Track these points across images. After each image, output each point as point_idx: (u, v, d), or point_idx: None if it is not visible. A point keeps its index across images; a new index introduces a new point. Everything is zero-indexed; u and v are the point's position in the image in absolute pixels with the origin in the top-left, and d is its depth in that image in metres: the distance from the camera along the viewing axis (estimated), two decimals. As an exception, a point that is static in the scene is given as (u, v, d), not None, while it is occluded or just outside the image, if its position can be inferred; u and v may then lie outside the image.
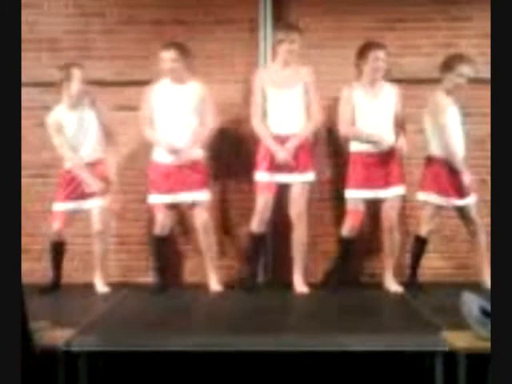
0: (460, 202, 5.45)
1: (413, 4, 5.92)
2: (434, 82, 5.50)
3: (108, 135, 5.64)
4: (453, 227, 5.90)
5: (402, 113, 5.51)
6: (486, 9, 4.85)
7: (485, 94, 5.00)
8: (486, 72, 4.80)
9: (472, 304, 4.02)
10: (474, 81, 5.41)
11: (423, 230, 5.53)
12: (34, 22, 5.94)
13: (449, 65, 5.39)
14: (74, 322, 4.38)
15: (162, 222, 5.57)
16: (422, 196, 5.54)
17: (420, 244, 5.56)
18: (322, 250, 5.99)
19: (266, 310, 4.89)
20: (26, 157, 5.12)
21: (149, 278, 5.83)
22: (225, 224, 6.05)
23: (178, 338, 4.15)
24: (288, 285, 5.55)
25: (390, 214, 5.49)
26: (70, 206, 5.54)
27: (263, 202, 5.50)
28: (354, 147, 5.51)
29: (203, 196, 5.55)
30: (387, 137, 5.42)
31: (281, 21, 5.85)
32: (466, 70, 5.35)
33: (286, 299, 5.31)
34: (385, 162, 5.43)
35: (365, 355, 4.21)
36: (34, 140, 5.83)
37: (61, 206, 5.53)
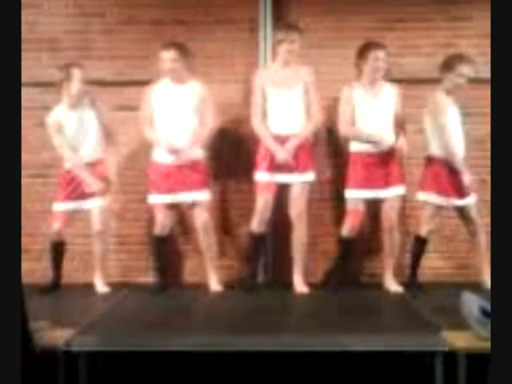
0: (460, 202, 5.45)
1: (413, 4, 5.92)
2: (434, 81, 5.50)
3: (108, 135, 5.64)
4: (453, 227, 5.90)
5: (402, 113, 5.51)
6: (485, 9, 4.86)
7: (485, 93, 5.00)
8: (485, 72, 4.80)
9: (472, 304, 4.02)
10: (474, 81, 5.41)
11: (423, 230, 5.53)
12: (34, 22, 5.94)
13: (449, 65, 5.40)
14: (73, 322, 4.38)
15: (162, 222, 5.56)
16: (421, 196, 5.54)
17: (420, 244, 5.56)
18: (322, 250, 6.00)
19: (265, 310, 4.89)
20: (25, 157, 5.11)
21: (149, 278, 5.83)
22: (225, 224, 6.05)
23: (178, 338, 4.15)
24: (288, 285, 5.55)
25: (389, 214, 5.49)
26: (70, 206, 5.54)
27: (263, 202, 5.50)
28: (354, 147, 5.51)
29: (203, 196, 5.55)
30: (387, 137, 5.42)
31: (281, 21, 5.85)
32: (465, 69, 5.35)
33: (286, 299, 5.31)
34: (385, 162, 5.43)
35: (365, 355, 4.21)
36: (33, 140, 5.83)
37: (61, 206, 5.54)
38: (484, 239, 5.45)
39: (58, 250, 5.61)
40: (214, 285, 5.61)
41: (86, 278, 5.76)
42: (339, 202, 5.73)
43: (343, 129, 5.48)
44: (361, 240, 5.69)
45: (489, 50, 3.60)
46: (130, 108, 5.77)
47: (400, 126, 5.49)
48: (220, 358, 4.25)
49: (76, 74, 5.43)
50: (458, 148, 5.41)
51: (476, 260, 5.62)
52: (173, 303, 5.17)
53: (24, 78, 4.01)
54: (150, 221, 5.72)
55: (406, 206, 5.82)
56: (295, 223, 5.55)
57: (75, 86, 5.45)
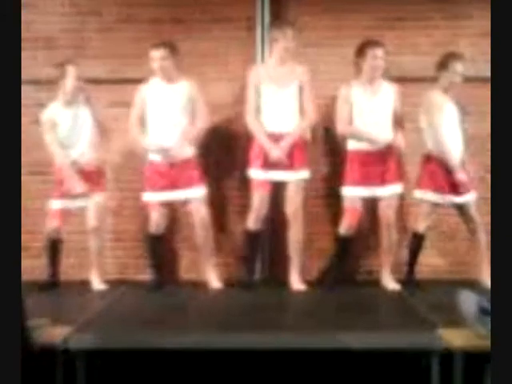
0: (458, 200, 5.47)
1: (412, 2, 5.93)
2: (433, 80, 5.51)
3: (103, 132, 5.64)
4: (451, 224, 5.93)
5: (400, 111, 5.51)
6: (485, 7, 4.87)
7: (484, 92, 4.99)
8: (485, 70, 4.80)
9: (470, 302, 4.02)
10: (474, 79, 5.43)
11: (420, 227, 5.54)
12: (31, 21, 5.90)
13: (444, 63, 5.43)
14: (71, 319, 4.38)
15: (157, 221, 5.56)
16: (418, 194, 5.56)
17: (417, 240, 5.57)
18: (318, 247, 5.99)
19: (262, 307, 4.89)
20: (22, 154, 5.09)
21: (146, 275, 5.81)
22: (220, 221, 6.03)
23: (176, 335, 4.15)
24: (285, 282, 5.56)
25: (387, 213, 5.50)
26: (67, 203, 5.54)
27: (258, 200, 5.50)
28: (352, 145, 5.52)
29: (199, 192, 5.55)
30: (385, 135, 5.42)
31: (278, 19, 5.84)
32: (460, 67, 5.39)
33: (283, 297, 5.32)
34: (382, 160, 5.44)
35: (362, 353, 4.21)
36: (30, 137, 5.78)
37: (57, 204, 5.53)
38: (483, 237, 5.47)
39: (55, 247, 5.60)
40: (214, 281, 5.61)
41: (83, 275, 5.75)
42: (335, 199, 5.73)
43: (340, 127, 5.48)
44: (358, 237, 5.67)
45: (488, 49, 3.60)
46: (126, 105, 5.74)
47: (398, 123, 5.49)
48: (217, 355, 4.24)
49: (71, 71, 5.44)
50: (456, 146, 5.43)
51: (475, 258, 5.63)
52: (170, 301, 5.17)
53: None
54: (147, 218, 5.71)
55: (404, 203, 5.82)
56: (291, 221, 5.56)
57: (70, 82, 5.45)
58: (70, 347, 3.95)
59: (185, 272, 6.07)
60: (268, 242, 5.97)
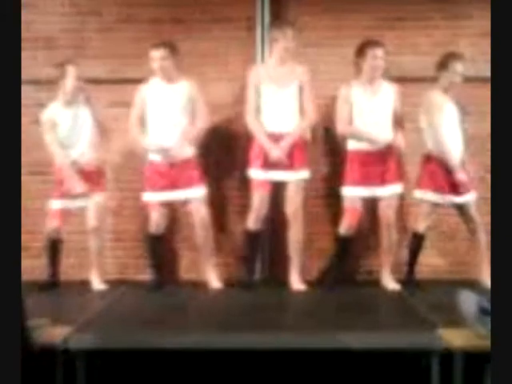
0: (458, 200, 5.47)
1: (412, 3, 5.93)
2: (433, 80, 5.51)
3: (103, 132, 5.64)
4: (451, 224, 5.93)
5: (400, 111, 5.51)
6: (485, 7, 4.87)
7: (485, 92, 4.99)
8: (485, 70, 4.79)
9: (470, 302, 4.02)
10: (474, 79, 5.43)
11: (420, 227, 5.54)
12: (31, 21, 5.90)
13: (444, 63, 5.44)
14: (71, 319, 4.38)
15: (157, 221, 5.56)
16: (418, 194, 5.56)
17: (417, 240, 5.57)
18: (318, 247, 5.99)
19: (263, 307, 4.89)
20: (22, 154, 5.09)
21: (146, 275, 5.81)
22: (220, 221, 6.03)
23: (176, 335, 4.15)
24: (285, 282, 5.56)
25: (387, 213, 5.49)
26: (67, 203, 5.54)
27: (258, 200, 5.50)
28: (352, 145, 5.52)
29: (198, 192, 5.55)
30: (385, 135, 5.42)
31: (278, 19, 5.84)
32: (460, 67, 5.40)
33: (283, 297, 5.32)
34: (382, 160, 5.44)
35: (362, 353, 4.21)
36: (30, 137, 5.77)
37: (58, 204, 5.53)
38: (483, 237, 5.46)
39: (55, 247, 5.60)
40: (214, 281, 5.61)
41: (83, 275, 5.74)
42: (336, 199, 5.73)
43: (340, 127, 5.48)
44: (358, 237, 5.67)
45: (488, 49, 3.60)
46: (126, 105, 5.72)
47: (398, 123, 5.49)
48: (217, 355, 4.24)
49: (71, 71, 5.44)
50: (456, 146, 5.43)
51: (475, 258, 5.63)
52: (170, 301, 5.17)
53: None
54: (147, 218, 5.70)
55: (404, 204, 5.82)
56: (291, 221, 5.56)
57: (70, 82, 5.45)
58: (70, 347, 3.95)
59: (185, 272, 6.06)
60: (268, 242, 5.97)
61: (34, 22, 5.94)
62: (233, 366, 4.34)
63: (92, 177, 5.56)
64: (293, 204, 5.52)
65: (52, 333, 4.00)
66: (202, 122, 5.55)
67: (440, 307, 4.68)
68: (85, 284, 5.61)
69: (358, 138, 5.45)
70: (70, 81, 5.45)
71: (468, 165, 5.52)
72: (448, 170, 5.42)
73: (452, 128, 5.43)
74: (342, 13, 5.94)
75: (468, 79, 5.45)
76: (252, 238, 5.62)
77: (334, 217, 5.81)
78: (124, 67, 5.97)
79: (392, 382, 4.25)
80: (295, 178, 5.49)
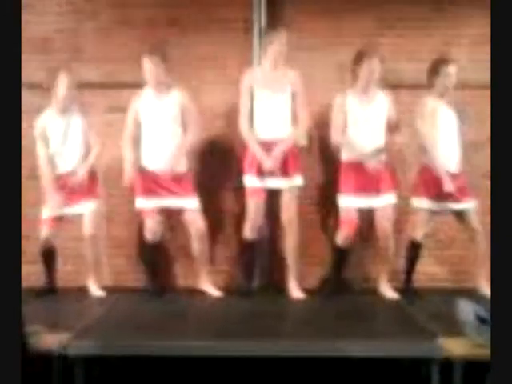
0: (456, 207, 5.46)
1: (411, 6, 5.92)
2: (430, 86, 5.49)
3: (96, 139, 5.60)
4: (448, 232, 5.92)
5: (394, 119, 5.49)
6: (485, 14, 4.88)
7: (483, 97, 5.00)
8: (485, 77, 4.76)
9: (468, 311, 4.02)
10: (474, 85, 5.43)
11: (418, 235, 5.53)
12: (26, 22, 5.84)
13: (434, 69, 5.45)
14: (68, 326, 4.37)
15: (153, 228, 5.54)
16: (415, 202, 5.56)
17: (415, 249, 5.56)
18: (314, 254, 5.95)
19: (261, 315, 4.88)
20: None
21: (143, 282, 5.79)
22: (217, 230, 6.01)
23: (174, 342, 4.14)
24: (283, 289, 5.55)
25: (383, 225, 5.46)
26: (58, 211, 5.52)
27: (254, 207, 5.49)
28: (346, 155, 5.49)
29: (191, 203, 5.54)
30: (379, 143, 5.42)
31: (275, 21, 5.84)
32: (452, 70, 5.40)
33: (281, 304, 5.31)
34: (376, 169, 5.40)
35: (361, 361, 4.20)
36: (25, 142, 5.74)
37: (47, 212, 5.52)
38: (482, 245, 5.45)
39: (48, 255, 5.60)
40: (212, 290, 5.60)
41: (80, 281, 5.71)
42: (330, 206, 5.73)
43: (334, 137, 5.47)
44: (355, 246, 5.65)
45: (488, 56, 3.60)
46: (120, 110, 5.69)
47: (393, 132, 5.48)
48: (216, 362, 4.24)
49: (63, 79, 5.41)
50: (451, 152, 5.44)
51: (473, 266, 5.62)
52: (168, 308, 5.16)
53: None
54: (143, 225, 5.67)
55: (401, 212, 5.79)
56: (286, 228, 5.55)
57: (62, 91, 5.43)
58: (68, 354, 3.95)
59: (183, 279, 6.04)
60: (266, 250, 5.96)
61: (29, 23, 5.83)
62: (231, 374, 4.34)
63: (85, 184, 5.55)
64: (288, 211, 5.51)
65: (50, 339, 3.99)
66: (193, 135, 5.54)
67: (438, 316, 4.69)
68: (82, 291, 5.59)
69: (351, 149, 5.44)
70: (61, 89, 5.43)
71: (465, 171, 5.51)
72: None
73: (447, 134, 5.43)
74: (339, 16, 5.92)
75: (467, 85, 5.46)
76: (249, 246, 5.60)
77: (329, 224, 5.83)
78: (119, 70, 5.93)
79: (392, 390, 4.26)
80: (289, 185, 5.47)
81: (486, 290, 5.32)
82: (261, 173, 5.43)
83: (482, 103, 5.16)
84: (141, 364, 4.38)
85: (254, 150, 5.42)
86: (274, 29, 5.51)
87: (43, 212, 5.54)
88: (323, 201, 5.99)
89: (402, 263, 5.66)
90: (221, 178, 6.02)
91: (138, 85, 5.54)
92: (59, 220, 5.57)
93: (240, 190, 5.65)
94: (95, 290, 5.59)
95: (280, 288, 5.61)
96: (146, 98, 5.52)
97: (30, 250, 5.70)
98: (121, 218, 6.06)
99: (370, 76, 5.38)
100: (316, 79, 5.77)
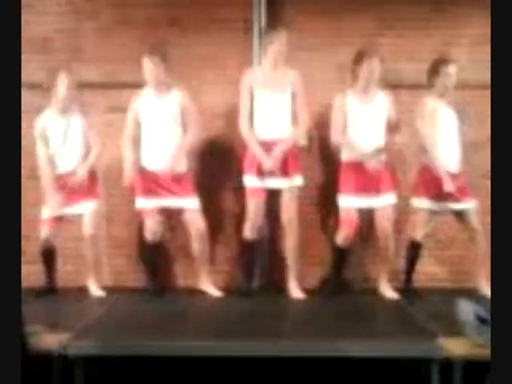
0: (456, 206, 5.46)
1: (411, 6, 5.92)
2: (430, 87, 5.50)
3: (96, 139, 5.60)
4: (448, 232, 5.91)
5: (394, 120, 5.49)
6: (485, 14, 4.88)
7: (483, 97, 5.00)
8: (485, 77, 4.77)
9: (467, 311, 4.02)
10: (474, 86, 5.43)
11: (418, 235, 5.53)
12: (26, 22, 5.84)
13: (434, 69, 5.45)
14: (68, 326, 4.37)
15: (153, 228, 5.54)
16: (415, 202, 5.56)
17: (415, 249, 5.56)
18: (313, 254, 5.94)
19: (261, 315, 4.88)
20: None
21: (143, 282, 5.79)
22: (217, 230, 6.01)
23: (174, 342, 4.14)
24: (283, 289, 5.55)
25: (383, 225, 5.46)
26: (58, 211, 5.52)
27: (254, 207, 5.49)
28: (346, 155, 5.49)
29: (191, 204, 5.53)
30: (379, 143, 5.42)
31: (275, 21, 5.84)
32: (451, 70, 5.40)
33: (281, 304, 5.31)
34: (376, 169, 5.40)
35: (361, 361, 4.20)
36: (25, 142, 5.74)
37: (49, 212, 5.51)
38: (482, 245, 5.45)
39: (48, 255, 5.60)
40: (210, 291, 5.60)
41: (80, 281, 5.71)
42: (330, 206, 5.72)
43: (334, 137, 5.47)
44: (355, 246, 5.65)
45: (488, 56, 3.60)
46: (121, 110, 5.68)
47: (393, 132, 5.48)
48: (216, 362, 4.24)
49: (63, 79, 5.41)
50: (451, 152, 5.44)
51: (473, 266, 5.62)
52: (168, 308, 5.15)
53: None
54: (143, 225, 5.67)
55: (401, 212, 5.79)
56: (286, 228, 5.55)
57: (62, 91, 5.43)
58: (68, 354, 3.95)
59: (183, 279, 6.04)
60: (266, 250, 5.95)
61: (29, 23, 5.84)
62: (231, 374, 4.34)
63: (85, 184, 5.55)
64: (288, 211, 5.51)
65: (50, 339, 3.99)
66: (193, 135, 5.54)
67: (438, 316, 4.69)
68: (82, 291, 5.59)
69: (351, 149, 5.43)
70: (61, 89, 5.43)
71: (465, 171, 5.51)
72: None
73: (447, 134, 5.43)
74: (339, 16, 5.92)
75: (467, 85, 5.46)
76: (249, 246, 5.60)
77: (328, 223, 5.83)
78: (119, 70, 5.93)
79: (392, 390, 4.26)
80: (289, 185, 5.47)
81: (486, 290, 5.32)
82: (261, 173, 5.42)
83: (482, 103, 5.17)
84: (141, 364, 4.37)
85: (254, 149, 5.42)
86: (274, 29, 5.52)
87: (43, 212, 5.54)
88: (323, 201, 5.98)
89: (401, 263, 5.66)
90: (221, 178, 6.02)
91: (138, 85, 5.54)
92: (59, 220, 5.57)
93: (240, 190, 5.65)
94: (95, 290, 5.59)
95: (280, 288, 5.61)
96: (146, 97, 5.52)
97: (30, 250, 5.71)
98: (121, 218, 6.05)
99: (370, 76, 5.38)
100: (316, 79, 5.78)
